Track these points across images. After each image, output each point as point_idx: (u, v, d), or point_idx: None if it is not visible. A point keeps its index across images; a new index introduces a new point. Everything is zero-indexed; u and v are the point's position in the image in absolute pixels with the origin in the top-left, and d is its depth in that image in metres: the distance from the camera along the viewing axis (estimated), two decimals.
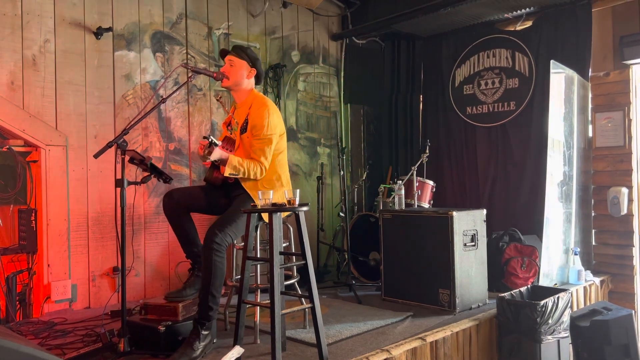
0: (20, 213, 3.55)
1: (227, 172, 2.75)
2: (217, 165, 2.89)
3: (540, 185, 4.27)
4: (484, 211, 3.72)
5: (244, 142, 2.90)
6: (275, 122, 2.87)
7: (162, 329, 2.62)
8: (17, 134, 3.42)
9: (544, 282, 3.79)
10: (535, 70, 4.75)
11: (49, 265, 3.52)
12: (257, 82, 3.07)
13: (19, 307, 3.54)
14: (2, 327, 2.48)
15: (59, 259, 3.57)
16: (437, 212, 3.55)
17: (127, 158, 2.65)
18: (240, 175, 2.80)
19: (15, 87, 3.44)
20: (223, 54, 3.03)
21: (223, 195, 3.00)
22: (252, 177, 2.82)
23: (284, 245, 3.04)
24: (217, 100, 3.36)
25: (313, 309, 2.48)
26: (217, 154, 2.72)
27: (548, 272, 3.88)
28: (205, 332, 2.59)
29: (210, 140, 2.66)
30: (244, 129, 2.90)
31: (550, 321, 3.13)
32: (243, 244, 2.66)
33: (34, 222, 3.51)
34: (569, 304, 3.31)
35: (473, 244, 3.54)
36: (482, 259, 3.63)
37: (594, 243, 4.48)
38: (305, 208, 2.51)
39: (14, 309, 3.47)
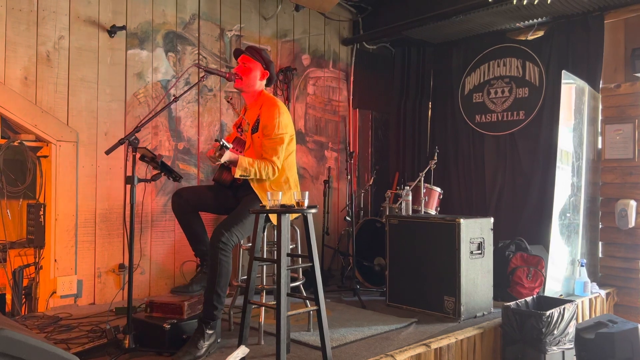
0: (29, 207, 3.57)
1: (238, 173, 2.76)
2: (228, 166, 2.89)
3: (547, 196, 4.25)
4: (491, 219, 3.71)
5: (254, 142, 2.91)
6: (285, 121, 2.88)
7: (167, 326, 2.63)
8: (29, 128, 3.45)
9: (549, 292, 3.78)
10: (545, 80, 4.75)
11: (55, 260, 3.53)
12: (267, 84, 3.09)
13: (25, 301, 3.55)
14: (10, 320, 2.50)
15: (66, 254, 3.59)
16: (444, 219, 3.55)
17: (138, 155, 2.66)
18: (252, 176, 2.80)
19: (28, 83, 3.47)
20: (237, 53, 3.05)
21: (231, 196, 3.01)
22: (264, 177, 2.82)
23: (291, 247, 3.05)
24: (228, 101, 3.37)
25: (319, 311, 2.48)
26: (227, 156, 2.72)
27: (554, 283, 3.86)
28: (210, 332, 2.60)
29: (222, 143, 2.66)
30: (255, 129, 2.91)
31: (555, 332, 3.11)
32: (249, 244, 2.67)
33: (42, 216, 3.52)
34: (575, 316, 3.29)
35: (479, 252, 3.54)
36: (488, 267, 3.62)
37: (600, 255, 4.46)
38: (314, 210, 2.51)
39: (19, 302, 3.48)
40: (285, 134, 2.87)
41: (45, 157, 3.59)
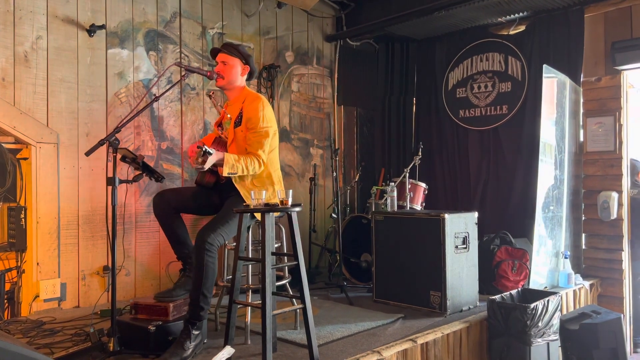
0: (10, 211, 3.51)
1: (225, 171, 2.70)
2: (212, 169, 2.85)
3: (531, 189, 4.29)
4: (476, 214, 3.73)
5: (237, 136, 2.88)
6: (269, 115, 2.87)
7: (152, 328, 2.60)
8: (8, 130, 3.39)
9: (534, 285, 3.81)
10: (527, 75, 4.78)
11: (38, 263, 3.48)
12: (249, 78, 3.07)
13: (7, 305, 3.50)
14: None
15: (49, 257, 3.54)
16: (429, 214, 3.56)
17: (119, 156, 2.63)
18: (240, 173, 2.76)
19: (6, 84, 3.41)
20: (214, 52, 3.02)
21: (215, 197, 2.98)
22: (250, 172, 2.79)
23: (276, 245, 3.04)
24: (209, 96, 3.32)
25: (304, 309, 2.47)
26: (211, 161, 2.64)
27: (538, 276, 3.90)
28: (196, 332, 2.58)
29: (203, 149, 2.59)
30: (238, 123, 2.88)
31: (540, 324, 3.14)
32: (235, 244, 2.65)
33: (23, 219, 3.47)
34: (559, 307, 3.33)
35: (464, 246, 3.56)
36: (473, 261, 3.65)
37: (584, 247, 4.51)
38: (298, 208, 2.51)
39: (2, 307, 3.43)
40: (270, 128, 2.86)
41: (25, 159, 3.53)
